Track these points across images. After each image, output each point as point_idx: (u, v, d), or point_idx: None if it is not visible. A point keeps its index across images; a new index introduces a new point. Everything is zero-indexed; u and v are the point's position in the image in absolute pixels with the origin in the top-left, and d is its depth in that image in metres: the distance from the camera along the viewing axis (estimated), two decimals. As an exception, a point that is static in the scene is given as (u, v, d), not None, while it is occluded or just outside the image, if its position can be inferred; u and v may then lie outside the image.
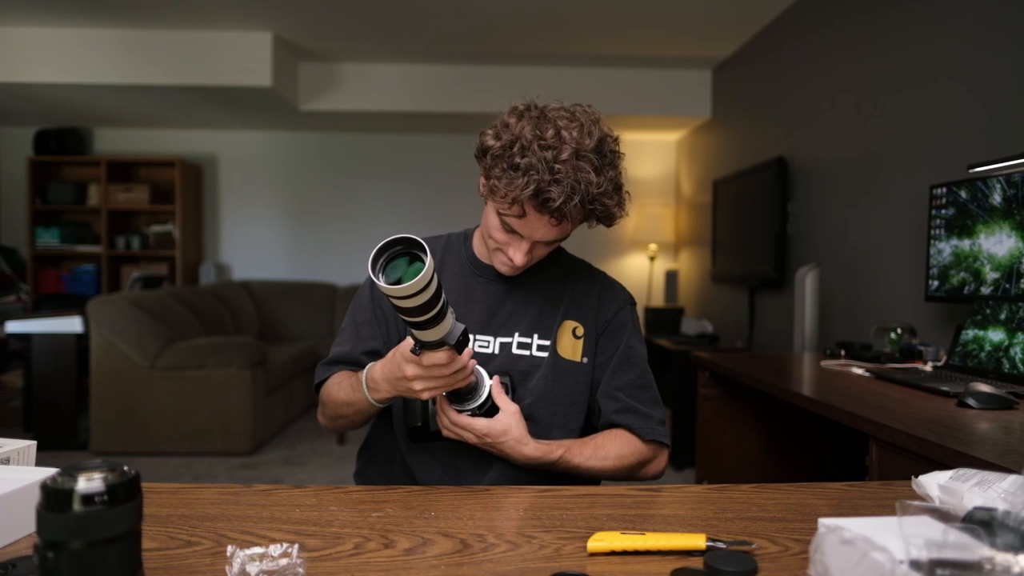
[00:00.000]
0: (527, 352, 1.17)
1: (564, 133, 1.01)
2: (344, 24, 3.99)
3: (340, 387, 1.14)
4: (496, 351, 1.17)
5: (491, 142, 1.05)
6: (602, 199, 1.04)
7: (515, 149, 1.01)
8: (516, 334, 1.18)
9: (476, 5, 3.69)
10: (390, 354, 1.00)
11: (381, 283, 0.79)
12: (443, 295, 0.84)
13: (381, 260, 0.82)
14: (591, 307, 1.21)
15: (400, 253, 0.82)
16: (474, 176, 1.18)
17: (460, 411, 1.05)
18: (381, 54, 4.56)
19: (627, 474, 1.15)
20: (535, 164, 0.99)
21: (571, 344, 1.19)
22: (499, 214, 1.08)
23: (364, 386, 1.06)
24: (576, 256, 1.29)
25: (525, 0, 3.61)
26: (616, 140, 1.08)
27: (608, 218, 1.09)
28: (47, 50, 4.12)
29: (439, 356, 0.92)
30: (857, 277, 2.92)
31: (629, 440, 1.15)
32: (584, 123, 1.04)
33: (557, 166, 0.99)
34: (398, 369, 0.97)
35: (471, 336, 1.16)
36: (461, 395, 1.04)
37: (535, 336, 1.18)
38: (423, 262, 0.80)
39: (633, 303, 1.26)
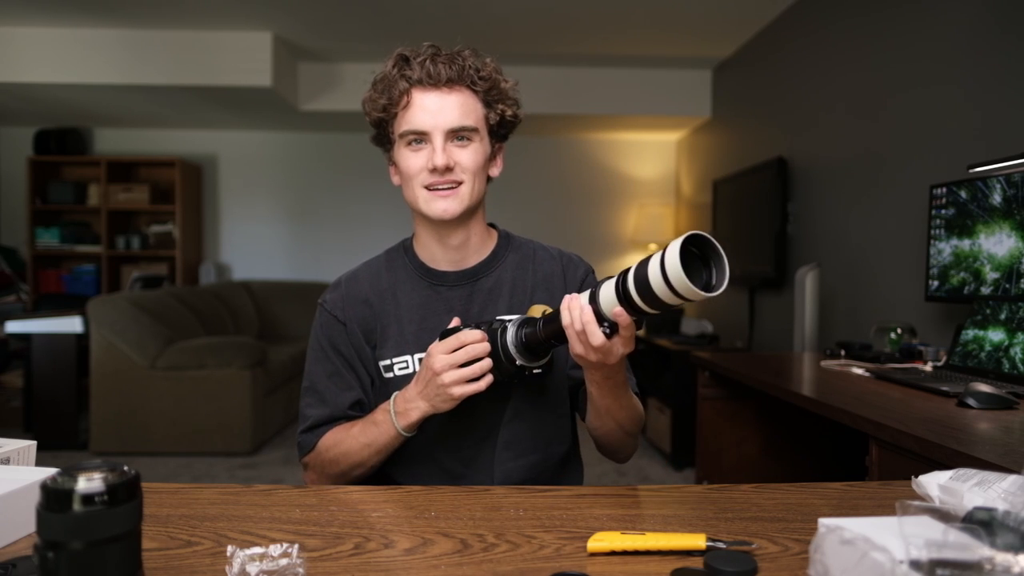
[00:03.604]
0: None
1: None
2: (344, 24, 3.99)
3: (349, 435, 1.08)
4: None
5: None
6: (472, 59, 1.09)
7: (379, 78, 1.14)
8: None
9: (475, 5, 3.69)
10: (419, 369, 1.03)
11: (698, 290, 0.77)
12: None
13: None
14: (558, 286, 1.18)
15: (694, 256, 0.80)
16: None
17: (534, 367, 0.99)
18: (381, 54, 4.47)
19: (639, 420, 1.11)
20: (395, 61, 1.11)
21: None
22: (377, 119, 1.13)
23: (392, 415, 1.04)
24: (528, 239, 1.24)
25: (525, 0, 3.61)
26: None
27: (495, 89, 1.11)
28: (47, 50, 4.11)
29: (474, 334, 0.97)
30: (857, 277, 2.92)
31: None
32: None
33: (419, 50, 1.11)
34: (427, 370, 0.99)
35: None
36: (537, 349, 0.98)
37: None
38: (720, 256, 0.79)
39: (592, 271, 1.23)
